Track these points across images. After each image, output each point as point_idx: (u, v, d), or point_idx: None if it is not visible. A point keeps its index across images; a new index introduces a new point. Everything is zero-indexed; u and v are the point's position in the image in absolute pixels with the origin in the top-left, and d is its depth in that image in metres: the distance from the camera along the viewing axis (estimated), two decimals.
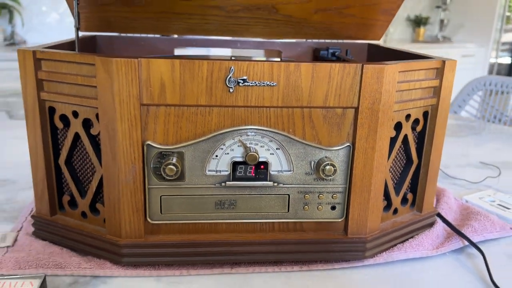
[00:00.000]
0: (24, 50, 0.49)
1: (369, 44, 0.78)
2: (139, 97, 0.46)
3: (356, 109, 0.49)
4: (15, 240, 0.54)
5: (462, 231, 0.59)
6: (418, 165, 0.58)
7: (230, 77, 0.46)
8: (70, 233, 0.53)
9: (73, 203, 0.54)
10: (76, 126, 0.50)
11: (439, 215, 0.62)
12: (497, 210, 0.68)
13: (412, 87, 0.52)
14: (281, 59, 0.78)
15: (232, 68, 0.46)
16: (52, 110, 0.51)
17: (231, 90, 0.47)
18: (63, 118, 0.51)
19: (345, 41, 0.78)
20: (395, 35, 4.32)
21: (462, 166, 0.89)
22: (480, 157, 0.94)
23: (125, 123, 0.46)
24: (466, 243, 0.58)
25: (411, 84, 0.51)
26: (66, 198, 0.54)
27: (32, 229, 0.55)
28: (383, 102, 0.48)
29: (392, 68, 0.48)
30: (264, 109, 0.48)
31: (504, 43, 4.25)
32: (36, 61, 0.49)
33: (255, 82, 0.46)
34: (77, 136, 0.51)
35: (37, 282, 0.45)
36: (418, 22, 4.31)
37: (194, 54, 0.78)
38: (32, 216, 0.55)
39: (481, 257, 0.54)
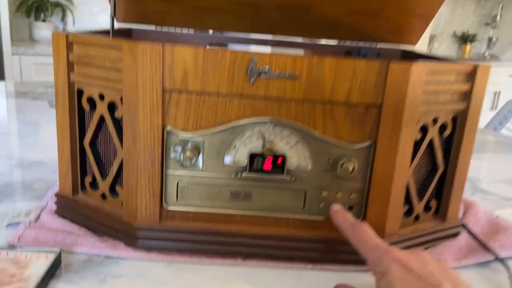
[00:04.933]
0: (58, 34, 0.51)
1: (403, 51, 0.76)
2: (162, 82, 0.46)
3: (380, 107, 0.47)
4: (38, 217, 0.56)
5: (489, 245, 0.56)
6: (444, 172, 0.56)
7: (252, 68, 0.46)
8: (89, 213, 0.54)
9: (94, 185, 0.55)
10: (101, 108, 0.51)
11: (464, 226, 0.59)
12: None
13: (440, 90, 0.50)
14: None
15: (255, 59, 0.46)
16: (80, 93, 0.53)
17: (252, 81, 0.47)
18: (90, 101, 0.52)
19: (378, 45, 0.77)
20: (440, 51, 4.21)
21: (496, 182, 0.85)
22: None
23: (147, 107, 0.47)
24: (491, 257, 0.55)
25: (440, 87, 0.50)
26: (88, 179, 0.55)
27: (55, 207, 0.57)
28: (408, 101, 0.47)
29: (419, 68, 0.46)
30: (284, 102, 0.48)
31: None
32: (69, 44, 0.51)
33: (276, 74, 0.46)
34: (102, 120, 0.52)
35: (52, 256, 0.46)
36: (465, 39, 4.19)
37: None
38: (55, 195, 0.57)
39: (506, 273, 0.52)
